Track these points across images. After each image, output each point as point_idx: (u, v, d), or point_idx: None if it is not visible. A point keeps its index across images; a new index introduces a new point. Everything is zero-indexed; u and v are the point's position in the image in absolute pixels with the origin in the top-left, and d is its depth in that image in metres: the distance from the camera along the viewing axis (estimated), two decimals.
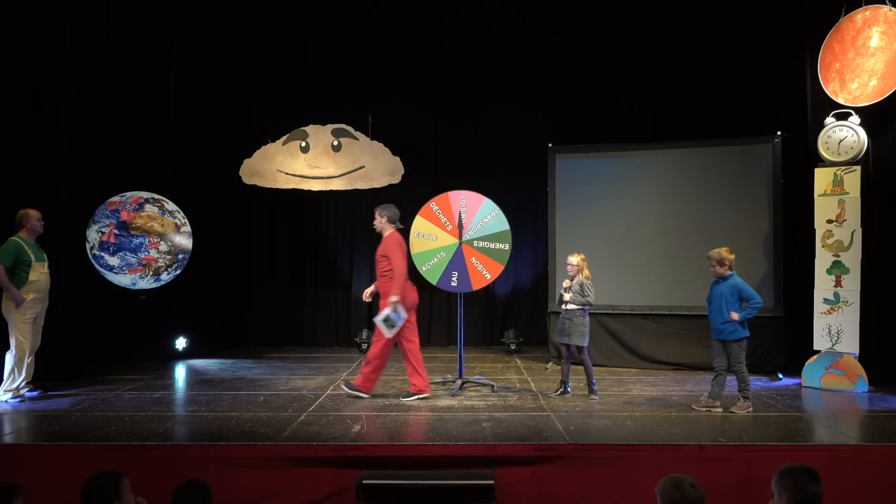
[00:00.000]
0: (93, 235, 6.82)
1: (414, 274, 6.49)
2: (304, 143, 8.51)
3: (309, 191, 8.61)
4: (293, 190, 8.59)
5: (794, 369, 6.75)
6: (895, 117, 6.43)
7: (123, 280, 6.93)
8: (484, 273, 6.37)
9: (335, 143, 8.52)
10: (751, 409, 5.37)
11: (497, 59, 8.91)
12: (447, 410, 5.49)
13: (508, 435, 4.70)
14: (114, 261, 6.84)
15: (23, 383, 5.86)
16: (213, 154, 8.54)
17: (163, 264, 7.04)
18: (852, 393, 6.18)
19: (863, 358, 6.31)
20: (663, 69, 8.31)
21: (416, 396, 5.86)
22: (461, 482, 4.20)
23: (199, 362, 7.90)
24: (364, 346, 8.47)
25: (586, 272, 6.05)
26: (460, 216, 6.38)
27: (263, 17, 8.81)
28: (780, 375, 6.89)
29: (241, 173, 8.53)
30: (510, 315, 9.28)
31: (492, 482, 4.16)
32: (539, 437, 4.64)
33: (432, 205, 6.46)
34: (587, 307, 6.02)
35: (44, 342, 6.09)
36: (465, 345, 6.65)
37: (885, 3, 6.27)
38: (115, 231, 6.84)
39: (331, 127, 8.58)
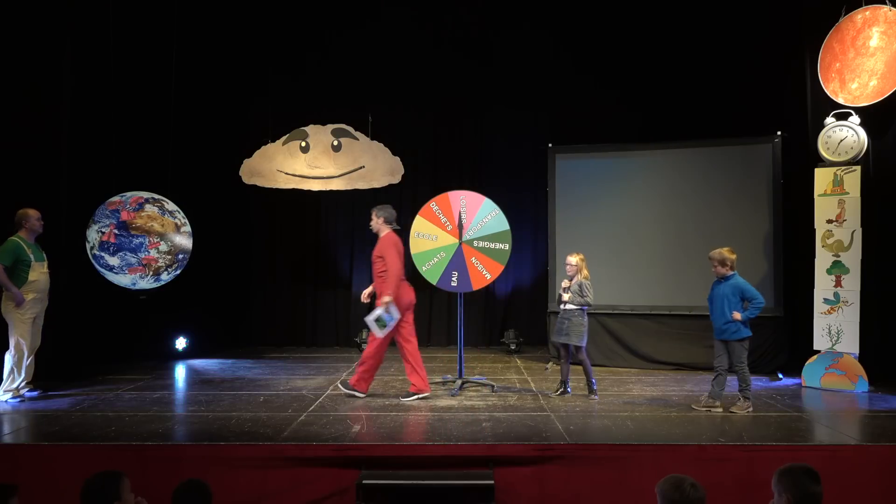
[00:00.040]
0: (93, 235, 6.82)
1: (414, 274, 6.50)
2: (304, 143, 8.52)
3: (309, 191, 8.62)
4: (293, 190, 8.60)
5: (794, 369, 6.75)
6: (895, 117, 6.42)
7: (123, 280, 6.93)
8: (484, 273, 6.37)
9: (335, 143, 8.52)
10: (751, 409, 5.37)
11: (497, 59, 8.91)
12: (447, 410, 5.49)
13: (508, 435, 4.70)
14: (114, 261, 6.84)
15: (23, 383, 5.86)
16: (213, 154, 8.55)
17: (163, 264, 7.03)
18: (852, 393, 6.18)
19: (863, 358, 6.31)
20: (663, 69, 8.31)
21: (415, 396, 5.86)
22: (461, 482, 4.20)
23: (199, 362, 7.90)
24: (364, 346, 8.44)
25: (585, 272, 6.06)
26: (460, 216, 6.38)
27: (264, 17, 8.81)
28: (780, 375, 6.89)
29: (241, 173, 8.53)
30: (510, 315, 9.28)
31: (492, 482, 4.16)
32: (539, 437, 4.64)
33: (432, 205, 6.46)
34: (586, 307, 6.02)
35: (44, 342, 6.09)
36: (465, 345, 6.65)
37: (885, 3, 6.27)
38: (116, 231, 6.84)
39: (331, 127, 8.58)
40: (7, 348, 5.86)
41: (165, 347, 8.03)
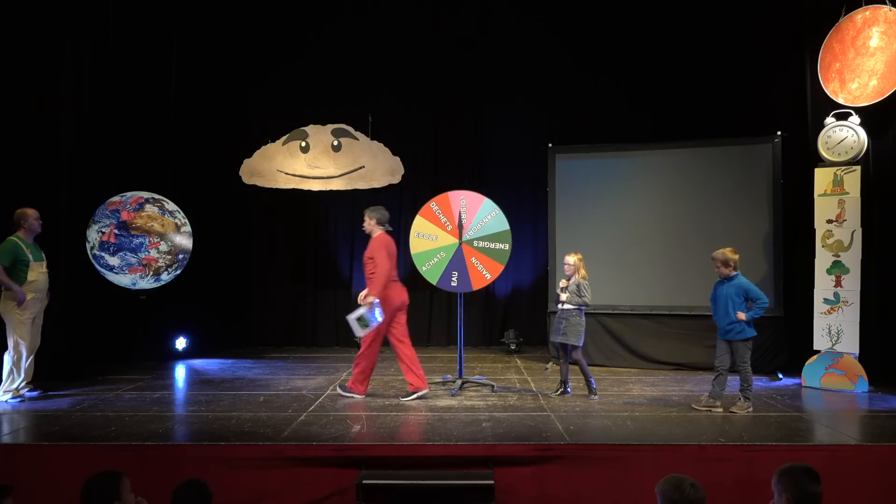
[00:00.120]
0: (93, 235, 6.82)
1: (414, 274, 6.50)
2: (304, 143, 8.52)
3: (309, 191, 8.62)
4: (293, 190, 8.60)
5: (794, 369, 6.75)
6: (895, 117, 6.42)
7: (124, 280, 6.94)
8: (484, 273, 6.37)
9: (335, 143, 8.52)
10: (751, 409, 5.37)
11: (497, 59, 8.90)
12: (447, 410, 5.49)
13: (508, 435, 4.70)
14: (114, 261, 6.85)
15: (22, 383, 5.86)
16: (213, 154, 8.55)
17: (163, 264, 7.04)
18: (852, 393, 6.18)
19: (863, 358, 6.31)
20: (663, 69, 8.31)
21: (414, 395, 5.87)
22: (461, 482, 4.20)
23: (199, 362, 7.90)
24: None
25: (583, 272, 6.05)
26: (460, 216, 6.38)
27: (263, 17, 8.80)
28: (780, 375, 6.89)
29: (241, 173, 8.53)
30: (510, 315, 9.28)
31: (492, 482, 4.16)
32: (539, 437, 4.64)
33: (432, 205, 6.46)
34: (584, 307, 6.03)
35: (44, 342, 6.09)
36: (465, 345, 6.65)
37: (885, 3, 6.27)
38: (116, 231, 6.84)
39: (331, 127, 8.58)
40: (6, 349, 5.86)
41: (165, 347, 8.03)
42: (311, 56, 9.02)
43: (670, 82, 8.27)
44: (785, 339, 7.16)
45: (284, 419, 5.14)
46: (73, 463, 4.21)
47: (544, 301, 8.17)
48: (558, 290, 6.19)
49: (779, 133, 7.27)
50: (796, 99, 7.13)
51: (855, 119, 6.40)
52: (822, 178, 6.57)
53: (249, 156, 8.55)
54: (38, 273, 5.90)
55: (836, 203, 6.47)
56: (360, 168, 8.54)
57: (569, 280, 6.09)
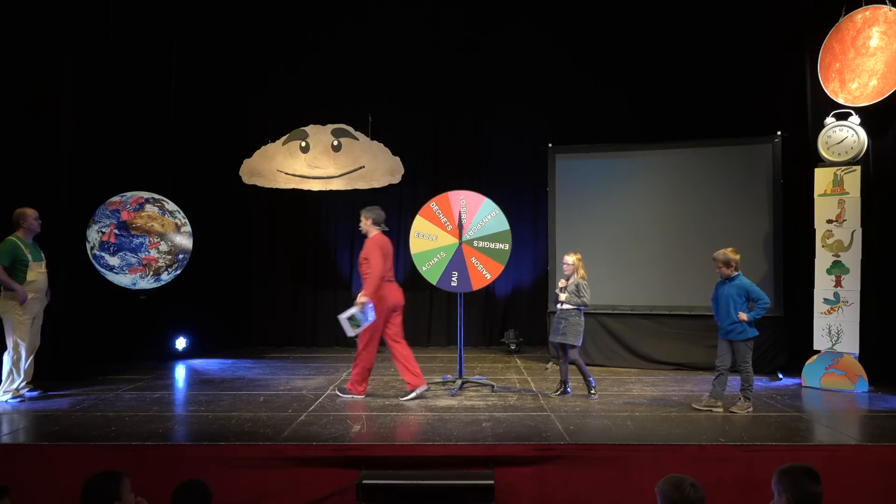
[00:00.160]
0: (93, 235, 6.82)
1: (414, 274, 6.49)
2: (304, 143, 8.52)
3: (309, 191, 8.62)
4: (293, 190, 8.59)
5: (794, 369, 6.75)
6: (895, 117, 6.42)
7: (124, 280, 6.93)
8: (484, 273, 6.37)
9: (335, 143, 8.52)
10: (751, 409, 5.37)
11: (497, 59, 8.90)
12: (447, 410, 5.49)
13: (508, 435, 4.70)
14: (114, 261, 6.84)
15: (23, 384, 5.85)
16: (213, 154, 8.54)
17: (163, 264, 7.04)
18: (852, 393, 6.18)
19: (863, 358, 6.31)
20: (663, 69, 8.31)
21: (413, 394, 5.87)
22: (461, 482, 4.20)
23: (199, 362, 7.90)
24: None
25: (582, 272, 6.05)
26: (460, 216, 6.38)
27: (263, 17, 8.80)
28: (780, 375, 6.89)
29: (241, 173, 8.53)
30: (510, 315, 9.28)
31: (492, 482, 4.16)
32: (539, 437, 4.64)
33: (432, 205, 6.46)
34: (583, 307, 6.03)
35: (44, 342, 6.08)
36: (465, 345, 6.65)
37: (885, 3, 6.27)
38: (116, 231, 6.84)
39: (331, 127, 8.58)
40: (6, 349, 5.85)
41: (165, 347, 8.03)
42: (312, 56, 9.03)
43: (670, 82, 8.27)
44: (785, 339, 7.16)
45: (284, 419, 5.14)
46: (73, 463, 4.20)
47: (544, 301, 8.17)
48: (557, 291, 6.19)
49: (779, 133, 7.27)
50: (796, 99, 7.13)
51: (855, 119, 6.40)
52: (822, 178, 6.57)
53: (249, 156, 8.55)
54: (37, 273, 5.89)
55: (836, 203, 6.47)
56: (360, 168, 8.53)
57: (568, 280, 6.09)
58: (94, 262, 6.84)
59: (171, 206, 7.18)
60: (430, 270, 6.40)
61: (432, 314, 9.27)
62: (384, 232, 6.09)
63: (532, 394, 6.20)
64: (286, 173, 8.54)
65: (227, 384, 6.64)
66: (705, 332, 7.11)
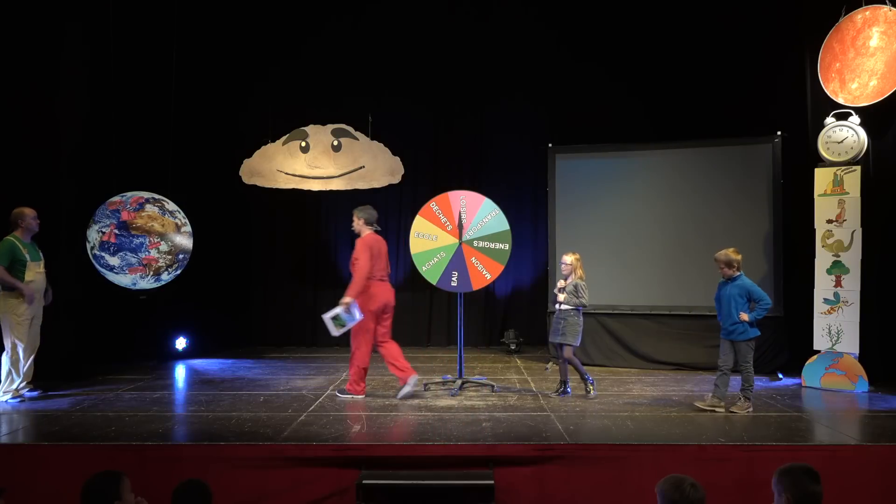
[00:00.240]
0: (93, 235, 6.82)
1: (414, 274, 6.49)
2: (304, 143, 8.51)
3: (309, 191, 8.62)
4: (293, 190, 8.59)
5: (794, 369, 6.75)
6: (895, 117, 6.42)
7: (124, 280, 6.94)
8: (484, 273, 6.36)
9: (335, 143, 8.52)
10: (751, 409, 5.37)
11: (497, 58, 8.89)
12: (447, 410, 5.49)
13: (508, 435, 4.70)
14: (114, 261, 6.84)
15: (22, 384, 5.85)
16: (213, 154, 8.55)
17: (163, 264, 7.04)
18: (852, 393, 6.18)
19: (863, 358, 6.31)
20: (663, 69, 8.31)
21: (406, 388, 5.88)
22: (461, 482, 4.20)
23: (199, 362, 7.90)
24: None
25: (580, 272, 6.05)
26: (460, 216, 6.38)
27: (263, 17, 8.80)
28: (780, 375, 6.89)
29: (241, 173, 8.53)
30: (510, 315, 9.28)
31: (492, 482, 4.16)
32: (539, 437, 4.64)
33: (432, 205, 6.46)
34: (581, 308, 6.02)
35: (44, 342, 6.07)
36: (465, 345, 6.64)
37: (885, 3, 6.27)
38: (116, 231, 6.84)
39: (331, 127, 8.58)
40: (5, 350, 5.84)
41: (165, 347, 8.03)
42: (311, 56, 9.02)
43: (670, 82, 8.27)
44: (785, 339, 7.16)
45: (284, 419, 5.14)
46: (73, 463, 4.20)
47: (544, 301, 8.16)
48: (556, 291, 6.19)
49: (779, 133, 7.27)
50: (796, 99, 7.13)
51: (855, 119, 6.40)
52: (822, 178, 6.57)
53: (249, 156, 8.55)
54: (35, 273, 5.87)
55: (836, 203, 6.47)
56: (360, 168, 8.53)
57: (566, 279, 6.08)
58: (94, 262, 6.85)
59: (171, 206, 7.18)
60: (430, 270, 6.40)
61: (432, 314, 9.28)
62: (377, 231, 6.11)
63: (532, 394, 6.20)
64: (286, 173, 8.54)
65: (227, 384, 6.64)
66: (705, 332, 7.11)
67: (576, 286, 5.97)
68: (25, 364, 5.85)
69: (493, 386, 6.37)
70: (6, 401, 5.69)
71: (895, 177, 6.48)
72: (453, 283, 6.37)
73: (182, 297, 7.79)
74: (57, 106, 6.88)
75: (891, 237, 6.47)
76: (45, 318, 6.09)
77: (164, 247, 7.01)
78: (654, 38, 8.30)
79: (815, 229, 6.57)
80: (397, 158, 8.56)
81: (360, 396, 5.92)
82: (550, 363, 7.64)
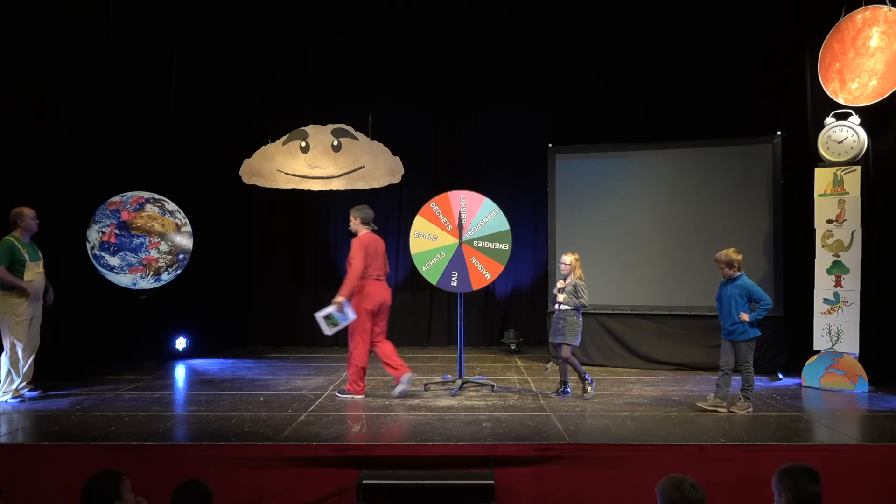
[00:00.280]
0: (93, 235, 6.82)
1: (414, 274, 6.49)
2: (304, 143, 8.51)
3: (309, 191, 8.62)
4: (293, 190, 8.59)
5: (794, 369, 6.75)
6: (895, 117, 6.42)
7: (124, 280, 6.94)
8: (484, 273, 6.36)
9: (335, 143, 8.52)
10: (751, 409, 5.37)
11: (497, 59, 8.91)
12: (447, 410, 5.49)
13: (508, 435, 4.70)
14: (114, 261, 6.85)
15: (22, 384, 5.85)
16: (213, 154, 8.54)
17: (163, 264, 7.04)
18: (852, 393, 6.18)
19: (863, 358, 6.31)
20: (663, 69, 8.31)
21: (400, 387, 5.89)
22: (461, 482, 4.20)
23: (199, 362, 7.90)
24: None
25: (579, 272, 6.04)
26: (460, 216, 6.38)
27: (263, 17, 8.81)
28: (780, 375, 6.89)
29: (241, 173, 8.53)
30: (510, 315, 9.28)
31: (492, 482, 4.16)
32: (539, 437, 4.64)
33: (432, 205, 6.46)
34: (581, 308, 6.02)
35: (44, 342, 6.07)
36: (465, 345, 6.64)
37: (885, 3, 6.27)
38: (116, 231, 6.85)
39: (331, 127, 8.58)
40: (3, 350, 5.84)
41: (165, 347, 8.03)
42: (312, 56, 9.03)
43: (670, 82, 8.27)
44: (785, 339, 7.16)
45: (284, 419, 5.14)
46: (73, 463, 4.20)
47: (544, 301, 8.16)
48: (555, 291, 6.18)
49: (779, 133, 7.27)
50: (796, 99, 7.13)
51: (855, 119, 6.40)
52: (822, 178, 6.57)
53: (249, 156, 8.55)
54: (34, 273, 5.87)
55: (836, 203, 6.47)
56: (360, 168, 8.53)
57: (565, 279, 6.08)
58: (94, 262, 6.85)
59: (171, 206, 7.18)
60: (430, 270, 6.40)
61: (432, 314, 9.28)
62: (373, 231, 6.12)
63: (532, 394, 6.20)
64: (286, 173, 8.53)
65: (227, 384, 6.64)
66: (705, 332, 7.11)
67: (575, 286, 5.97)
68: (25, 364, 5.85)
69: (493, 386, 6.37)
70: (6, 401, 5.69)
71: (895, 177, 6.48)
72: (453, 283, 6.38)
73: (182, 297, 7.79)
74: (58, 106, 6.88)
75: (891, 237, 6.47)
76: (46, 318, 6.09)
77: (164, 247, 7.01)
78: (654, 38, 8.31)
79: (815, 229, 6.57)
80: (397, 158, 8.56)
81: (359, 396, 5.92)
82: (550, 363, 7.64)
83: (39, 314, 6.00)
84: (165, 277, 7.13)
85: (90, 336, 7.22)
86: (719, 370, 5.51)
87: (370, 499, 4.14)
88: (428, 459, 4.33)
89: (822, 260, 6.52)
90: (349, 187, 8.55)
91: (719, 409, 5.39)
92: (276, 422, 5.05)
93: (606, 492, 4.26)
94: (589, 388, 5.96)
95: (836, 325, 6.40)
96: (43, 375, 6.19)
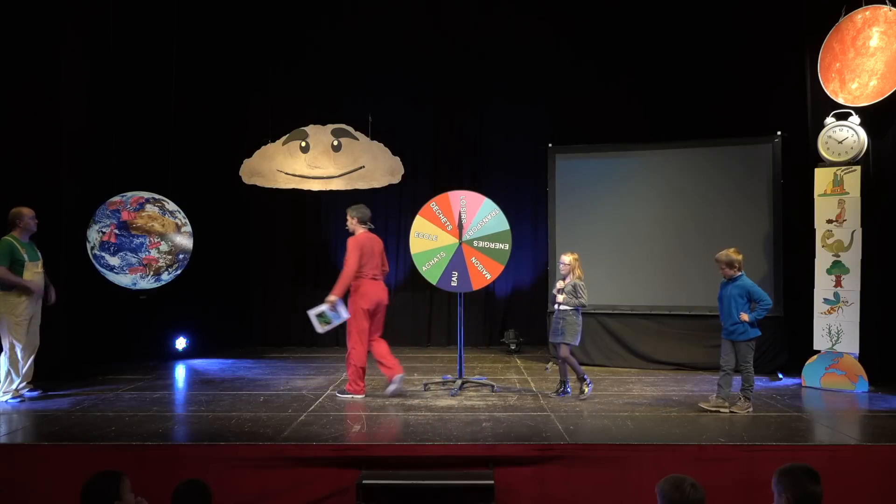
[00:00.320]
0: (93, 235, 6.83)
1: (414, 274, 6.49)
2: (304, 143, 8.52)
3: (309, 191, 8.62)
4: (293, 190, 8.60)
5: (794, 369, 6.75)
6: (895, 117, 6.42)
7: (124, 280, 6.94)
8: (484, 273, 6.37)
9: (335, 143, 8.52)
10: (751, 409, 5.37)
11: (497, 59, 8.90)
12: (447, 410, 5.49)
13: (508, 435, 4.70)
14: (114, 261, 6.85)
15: (22, 384, 5.85)
16: (213, 154, 8.55)
17: (163, 264, 7.04)
18: (852, 393, 6.18)
19: (863, 358, 6.30)
20: (664, 69, 8.31)
21: (393, 386, 5.94)
22: (461, 482, 4.20)
23: (199, 362, 7.90)
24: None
25: (578, 272, 6.04)
26: (460, 216, 6.38)
27: (263, 17, 8.81)
28: (780, 375, 6.89)
29: (241, 173, 8.54)
30: (510, 315, 9.28)
31: (492, 482, 4.16)
32: (539, 437, 4.64)
33: (432, 205, 6.46)
34: (580, 308, 6.02)
35: (44, 342, 6.07)
36: (465, 345, 6.64)
37: (885, 3, 6.27)
38: (116, 231, 6.85)
39: (331, 127, 8.58)
40: (2, 350, 5.84)
41: (165, 347, 8.03)
42: (311, 56, 9.03)
43: (670, 82, 8.28)
44: (785, 339, 7.16)
45: (284, 419, 5.14)
46: (73, 463, 4.20)
47: (544, 301, 8.16)
48: (554, 292, 6.18)
49: (779, 133, 7.27)
50: (796, 99, 7.13)
51: (855, 119, 6.40)
52: (822, 178, 6.57)
53: (249, 156, 8.55)
54: (33, 273, 5.86)
55: (836, 203, 6.47)
56: (360, 168, 8.54)
57: (564, 279, 6.08)
58: (94, 262, 6.85)
59: (171, 206, 7.19)
60: (430, 270, 6.40)
61: (432, 314, 9.27)
62: (370, 230, 6.13)
63: (532, 394, 6.20)
64: (286, 173, 8.54)
65: (227, 384, 6.64)
66: (705, 332, 7.12)
67: (574, 286, 5.96)
68: (24, 364, 5.84)
69: (493, 386, 6.37)
70: (6, 401, 5.69)
71: (895, 177, 6.48)
72: (453, 283, 6.38)
73: (182, 297, 7.79)
74: (57, 106, 6.88)
75: (891, 237, 6.47)
76: (46, 318, 6.09)
77: (164, 247, 7.02)
78: (655, 38, 8.31)
79: (815, 229, 6.57)
80: (397, 158, 8.57)
81: (359, 396, 5.92)
82: (550, 363, 7.63)
83: (39, 314, 5.99)
84: (165, 277, 7.13)
85: (90, 336, 7.22)
86: (720, 370, 5.51)
87: (370, 499, 4.14)
88: (428, 459, 4.33)
89: (822, 260, 6.52)
90: (349, 187, 8.55)
91: (721, 410, 5.38)
92: (276, 422, 5.05)
93: (606, 492, 4.26)
94: (586, 390, 5.95)
95: (836, 325, 6.40)
96: (43, 375, 6.19)
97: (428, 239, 6.40)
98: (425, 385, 6.36)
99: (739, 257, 5.46)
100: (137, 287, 7.06)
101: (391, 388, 5.94)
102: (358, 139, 8.57)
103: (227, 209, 8.88)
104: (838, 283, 6.42)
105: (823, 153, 6.55)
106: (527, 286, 9.22)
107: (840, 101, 6.50)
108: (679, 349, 7.43)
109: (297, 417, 5.20)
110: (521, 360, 8.13)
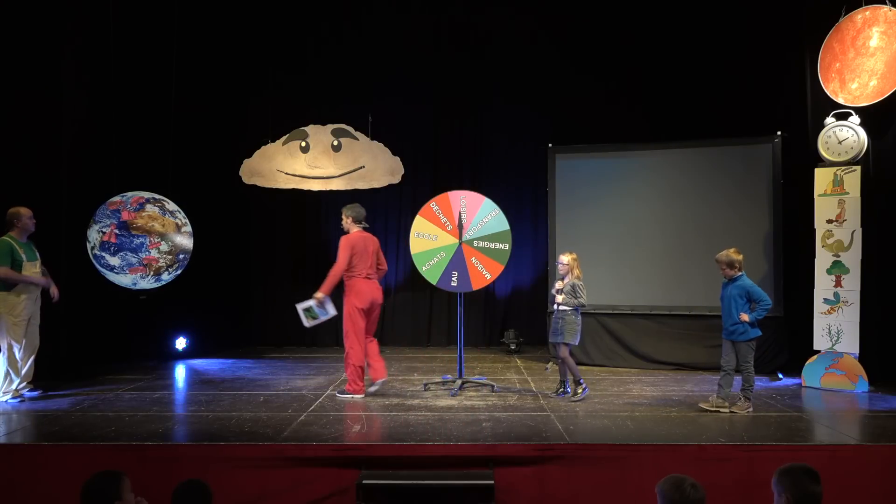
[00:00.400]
0: (94, 235, 6.83)
1: (414, 274, 6.49)
2: (304, 143, 8.52)
3: (309, 191, 8.62)
4: (293, 190, 8.60)
5: (794, 369, 6.75)
6: (895, 117, 6.42)
7: (124, 280, 6.95)
8: (484, 273, 6.37)
9: (335, 143, 8.52)
10: (751, 409, 5.37)
11: (497, 59, 8.90)
12: (447, 410, 5.49)
13: (508, 435, 4.70)
14: (115, 261, 6.85)
15: (22, 384, 5.84)
16: (213, 154, 8.54)
17: (163, 264, 7.05)
18: (852, 393, 6.18)
19: (863, 358, 6.31)
20: (664, 69, 8.31)
21: (374, 387, 6.03)
22: (461, 482, 4.20)
23: (199, 362, 7.90)
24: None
25: (577, 272, 6.03)
26: (460, 216, 6.38)
27: (263, 17, 8.81)
28: (780, 375, 6.89)
29: (241, 173, 8.54)
30: (510, 315, 9.28)
31: (492, 482, 4.16)
32: (539, 437, 4.64)
33: (432, 205, 6.46)
34: (580, 308, 6.02)
35: (44, 342, 6.07)
36: (465, 345, 6.64)
37: (885, 3, 6.27)
38: (116, 231, 6.85)
39: (331, 127, 8.58)
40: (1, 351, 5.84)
41: (165, 347, 8.03)
42: (312, 56, 9.03)
43: (670, 82, 8.28)
44: (785, 339, 7.16)
45: (284, 419, 5.14)
46: (73, 463, 4.20)
47: (544, 301, 8.16)
48: (553, 292, 6.18)
49: (779, 133, 7.27)
50: (796, 99, 7.13)
51: (855, 119, 6.40)
52: (822, 178, 6.57)
53: (249, 156, 8.55)
54: (31, 273, 5.84)
55: (836, 203, 6.47)
56: (360, 168, 8.54)
57: (563, 279, 6.07)
58: (94, 262, 6.85)
59: (171, 206, 7.19)
60: (430, 270, 6.40)
61: (432, 314, 9.27)
62: (365, 229, 6.15)
63: (532, 394, 6.20)
64: (286, 173, 8.54)
65: (227, 384, 6.64)
66: (705, 332, 7.12)
67: (573, 286, 5.96)
68: (24, 364, 5.84)
69: (493, 386, 6.37)
70: (6, 401, 5.69)
71: (895, 177, 6.48)
72: (453, 283, 6.38)
73: (182, 297, 7.79)
74: (58, 106, 6.88)
75: (891, 237, 6.47)
76: (46, 318, 6.08)
77: (164, 247, 7.02)
78: (655, 38, 8.31)
79: (815, 229, 6.57)
80: (397, 158, 8.57)
81: (359, 396, 5.92)
82: (550, 363, 7.63)
83: (37, 315, 5.98)
84: (166, 277, 7.13)
85: (90, 336, 7.22)
86: (721, 370, 5.51)
87: (370, 499, 4.14)
88: (428, 459, 4.33)
89: (822, 260, 6.52)
90: (349, 187, 8.55)
91: (722, 410, 5.38)
92: (276, 422, 5.05)
93: (606, 492, 4.26)
94: (580, 392, 5.90)
95: (836, 325, 6.41)
96: (43, 375, 6.19)
97: (428, 239, 6.40)
98: (425, 385, 6.36)
99: (740, 257, 5.46)
100: (137, 287, 7.06)
101: (373, 388, 6.03)
102: (358, 139, 8.57)
103: (227, 209, 8.87)
104: (838, 283, 6.42)
105: (823, 153, 6.55)
106: (527, 286, 9.22)
107: (840, 101, 6.50)
108: (679, 349, 7.43)
109: (297, 417, 5.20)
110: (521, 360, 8.13)
